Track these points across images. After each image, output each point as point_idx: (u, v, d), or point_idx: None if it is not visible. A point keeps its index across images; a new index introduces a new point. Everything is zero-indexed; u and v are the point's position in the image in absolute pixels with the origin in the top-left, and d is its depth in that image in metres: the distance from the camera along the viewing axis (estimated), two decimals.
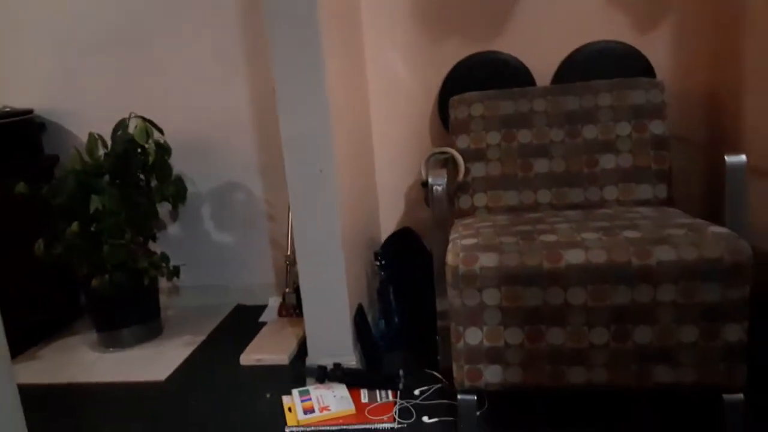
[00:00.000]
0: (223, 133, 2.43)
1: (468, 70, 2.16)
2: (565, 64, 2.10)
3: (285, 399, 1.81)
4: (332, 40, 1.74)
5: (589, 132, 1.89)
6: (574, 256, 1.43)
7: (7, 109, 2.42)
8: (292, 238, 2.22)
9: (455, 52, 2.17)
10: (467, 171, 1.93)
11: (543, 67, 2.11)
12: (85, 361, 2.25)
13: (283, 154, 1.72)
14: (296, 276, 1.92)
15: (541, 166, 1.90)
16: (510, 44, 2.13)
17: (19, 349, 2.35)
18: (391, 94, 2.25)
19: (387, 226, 2.42)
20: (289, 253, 2.36)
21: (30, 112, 2.49)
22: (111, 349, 2.33)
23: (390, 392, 1.80)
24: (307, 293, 1.84)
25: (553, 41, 2.09)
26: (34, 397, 1.99)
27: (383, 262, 2.08)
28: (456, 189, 1.93)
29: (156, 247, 2.50)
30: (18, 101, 2.50)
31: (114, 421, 1.84)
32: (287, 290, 2.38)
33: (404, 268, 2.11)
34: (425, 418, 1.64)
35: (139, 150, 2.20)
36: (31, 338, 2.42)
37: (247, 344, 2.20)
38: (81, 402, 1.96)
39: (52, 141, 2.54)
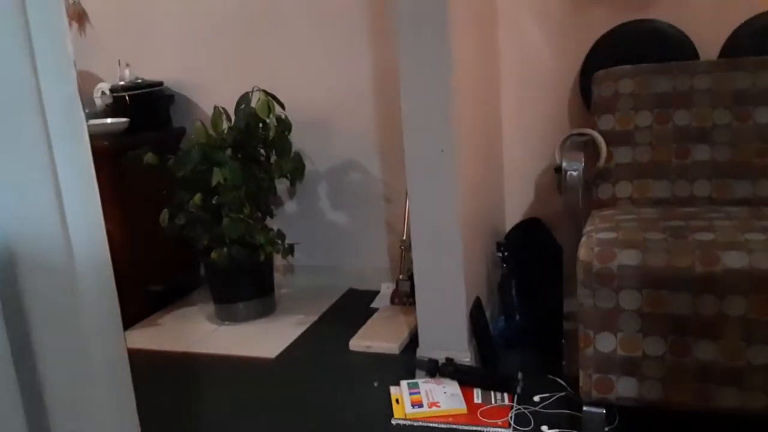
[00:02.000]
0: (343, 111, 2.50)
1: (616, 42, 2.11)
2: (736, 34, 2.00)
3: (393, 390, 1.85)
4: (460, 9, 1.75)
5: (763, 115, 1.79)
6: (735, 260, 1.36)
7: (139, 81, 2.61)
8: (408, 223, 2.18)
9: (602, 21, 2.11)
10: (610, 156, 1.87)
11: (708, 37, 2.01)
12: (201, 332, 2.40)
13: (403, 133, 1.74)
14: (411, 263, 1.89)
15: (700, 153, 1.82)
16: (668, 11, 2.05)
17: (141, 314, 2.54)
18: (525, 69, 2.24)
19: (513, 215, 2.40)
20: (404, 237, 2.39)
21: (160, 84, 2.67)
22: (226, 322, 2.46)
23: (506, 395, 1.79)
24: (422, 281, 1.85)
25: (722, 7, 2.00)
26: (149, 363, 2.14)
27: (506, 254, 2.07)
28: (595, 176, 1.89)
29: (273, 224, 2.58)
30: (149, 73, 2.66)
31: (222, 394, 1.93)
32: (401, 277, 2.42)
33: (530, 261, 2.09)
34: (545, 428, 1.62)
35: (260, 124, 2.31)
36: (153, 305, 2.61)
37: (357, 329, 2.26)
38: (193, 372, 2.08)
39: (180, 113, 2.72)
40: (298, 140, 2.52)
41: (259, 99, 2.27)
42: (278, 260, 2.61)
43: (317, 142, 2.59)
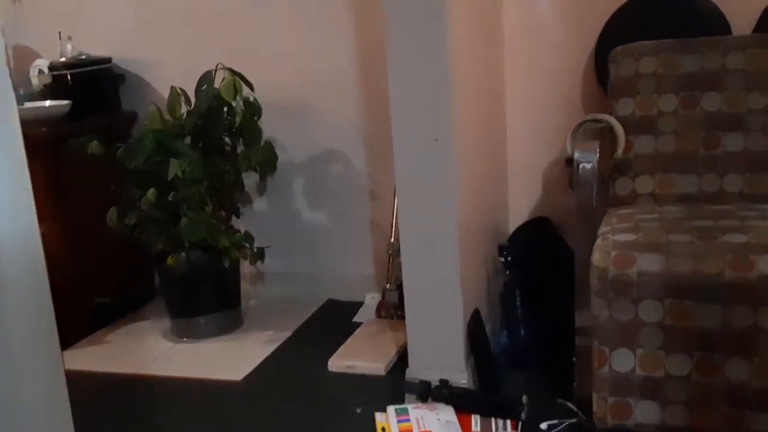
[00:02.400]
0: (322, 93, 2.51)
1: (637, 14, 2.11)
2: None
3: (378, 416, 1.85)
4: None
5: None
6: None
7: (83, 57, 2.59)
8: (397, 223, 2.19)
9: None
10: (629, 146, 1.89)
11: (742, 9, 2.01)
12: (155, 351, 2.40)
13: (391, 119, 1.73)
14: (399, 270, 1.92)
15: (732, 142, 1.83)
16: None
17: (84, 331, 2.51)
18: (532, 44, 2.26)
19: (517, 215, 2.41)
20: (392, 240, 2.39)
21: (108, 61, 2.65)
22: (185, 339, 2.47)
23: (509, 422, 1.80)
24: (412, 292, 1.87)
25: None
26: (94, 388, 2.10)
27: (509, 259, 2.08)
28: (612, 169, 1.91)
29: (239, 225, 2.58)
30: (95, 48, 2.64)
31: (181, 423, 1.92)
32: (388, 286, 2.42)
33: (536, 267, 2.11)
34: None
35: (225, 109, 2.31)
36: (100, 320, 2.58)
37: (337, 347, 2.26)
38: (146, 398, 2.07)
39: (131, 95, 2.71)
40: (269, 127, 2.51)
41: (223, 79, 2.27)
42: (246, 267, 2.61)
43: (291, 129, 2.59)
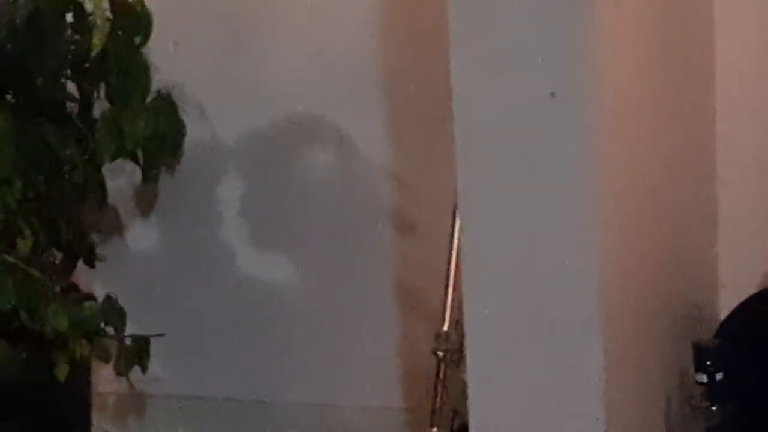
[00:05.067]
0: None
1: None
2: None
3: None
4: None
5: None
6: None
7: None
8: (458, 291, 1.53)
9: None
10: None
11: None
12: None
13: (450, 51, 1.27)
14: (463, 396, 1.42)
15: None
16: None
17: None
18: None
19: (738, 279, 1.76)
20: (446, 328, 1.68)
21: None
22: None
23: None
24: None
25: None
26: None
27: (721, 377, 1.52)
28: None
29: (95, 284, 1.88)
30: None
31: None
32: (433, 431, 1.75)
33: None
34: None
35: (64, 19, 1.74)
36: None
37: None
38: None
39: None
40: (167, 65, 1.80)
41: None
42: (108, 380, 1.87)
43: (221, 71, 1.89)
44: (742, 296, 1.64)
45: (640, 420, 1.46)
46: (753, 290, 1.67)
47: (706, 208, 1.79)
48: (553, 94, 1.23)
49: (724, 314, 1.68)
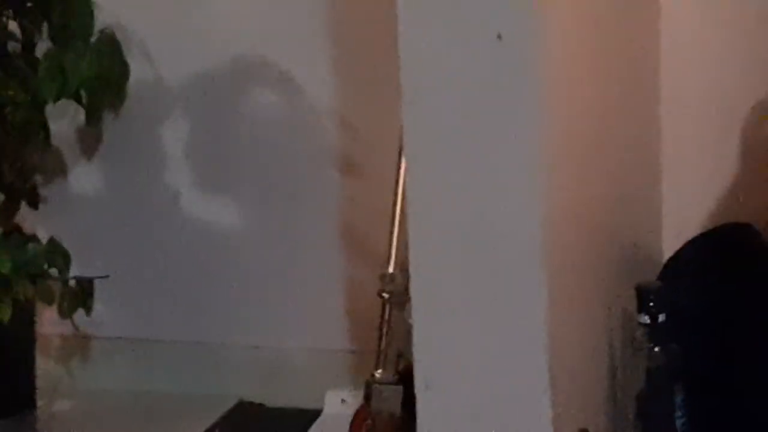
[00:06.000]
0: None
1: None
2: None
3: None
4: None
5: None
6: None
7: None
8: (404, 229, 1.47)
9: None
10: None
11: None
12: None
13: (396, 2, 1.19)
14: (407, 338, 1.34)
15: None
16: None
17: None
18: None
19: (682, 219, 1.77)
20: (390, 270, 1.68)
21: None
22: None
23: None
24: (437, 390, 1.35)
25: None
26: None
27: (663, 318, 1.53)
28: None
29: (39, 226, 1.87)
30: None
31: None
32: (378, 374, 1.71)
33: (724, 334, 1.67)
34: None
35: None
36: None
37: None
38: None
39: None
40: (111, 4, 1.78)
41: None
42: (52, 323, 1.90)
43: (165, 13, 1.86)
44: (685, 239, 1.68)
45: (585, 362, 1.46)
46: (695, 233, 1.71)
47: (650, 151, 1.82)
48: (499, 36, 1.15)
49: (667, 254, 1.71)
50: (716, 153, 1.80)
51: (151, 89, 1.88)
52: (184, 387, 2.04)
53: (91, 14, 1.67)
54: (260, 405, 1.90)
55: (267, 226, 1.99)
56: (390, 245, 1.58)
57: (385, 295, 1.57)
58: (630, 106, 1.70)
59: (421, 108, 1.23)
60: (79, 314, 1.79)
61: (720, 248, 1.62)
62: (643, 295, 1.40)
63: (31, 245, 1.67)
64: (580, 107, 1.38)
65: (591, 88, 1.46)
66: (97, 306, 1.82)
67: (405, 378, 1.51)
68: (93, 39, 1.67)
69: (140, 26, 1.85)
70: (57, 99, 1.65)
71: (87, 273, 1.76)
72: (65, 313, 1.69)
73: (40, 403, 1.89)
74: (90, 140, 1.93)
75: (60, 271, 1.66)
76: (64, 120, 1.83)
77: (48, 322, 1.86)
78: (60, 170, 1.94)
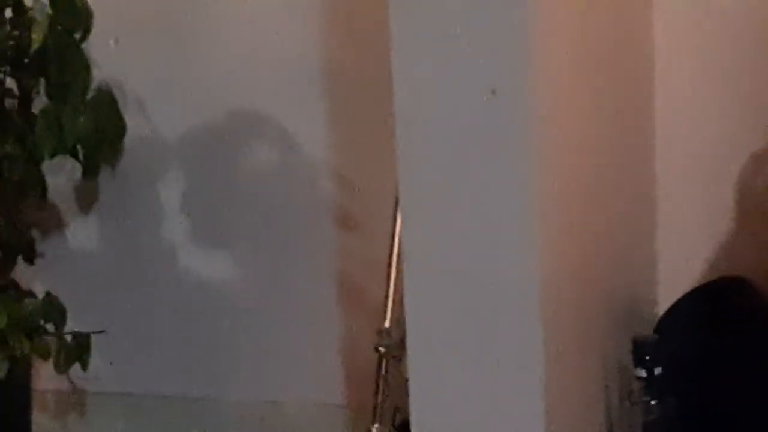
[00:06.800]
0: None
1: None
2: None
3: None
4: None
5: None
6: None
7: None
8: (398, 284, 1.56)
9: None
10: None
11: None
12: None
13: (391, 49, 1.30)
14: (405, 392, 1.40)
15: None
16: None
17: None
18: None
19: (677, 275, 1.77)
20: (387, 324, 1.69)
21: None
22: None
23: None
24: None
25: None
26: None
27: (659, 372, 1.56)
28: None
29: (35, 281, 1.90)
30: None
31: None
32: (374, 428, 1.72)
33: (720, 387, 1.65)
34: None
35: (8, 12, 1.74)
36: None
37: None
38: None
39: None
40: (108, 61, 1.84)
41: None
42: (49, 377, 1.90)
43: (162, 70, 1.91)
44: (680, 292, 1.70)
45: (581, 415, 1.50)
46: (691, 287, 1.72)
47: (646, 206, 1.82)
48: (493, 92, 1.25)
49: (663, 310, 1.72)
50: (711, 206, 1.79)
51: (147, 144, 1.89)
52: None
53: (87, 70, 1.69)
54: None
55: (263, 281, 1.99)
56: (386, 300, 1.60)
57: (382, 350, 1.57)
58: (625, 159, 1.72)
59: (416, 163, 1.30)
60: (75, 369, 1.77)
61: (715, 302, 1.64)
62: (639, 348, 1.43)
63: (27, 300, 1.67)
64: (575, 161, 1.43)
65: (586, 142, 1.50)
66: (94, 361, 1.80)
67: (402, 428, 1.54)
68: (89, 95, 1.69)
69: (137, 82, 1.87)
70: (54, 155, 1.66)
71: (83, 328, 1.74)
72: (61, 369, 1.67)
73: None
74: (86, 196, 1.94)
75: (56, 327, 1.66)
76: (60, 175, 1.85)
77: (44, 377, 1.86)
78: (56, 225, 1.95)
